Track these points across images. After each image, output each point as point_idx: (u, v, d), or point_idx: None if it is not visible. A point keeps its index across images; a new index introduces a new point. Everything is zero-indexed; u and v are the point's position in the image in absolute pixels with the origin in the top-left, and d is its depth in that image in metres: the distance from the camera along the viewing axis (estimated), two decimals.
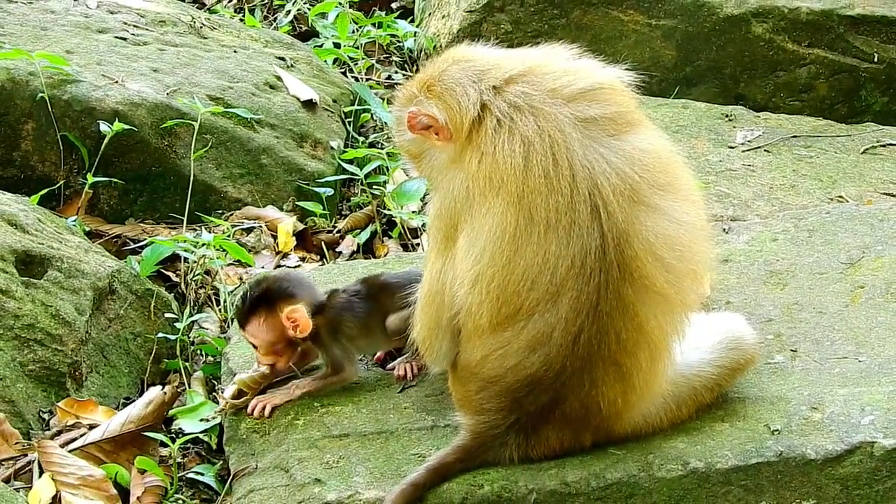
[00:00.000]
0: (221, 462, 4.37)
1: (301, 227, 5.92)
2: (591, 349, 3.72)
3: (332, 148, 6.33)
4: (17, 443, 4.38)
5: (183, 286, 5.42)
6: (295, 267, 5.62)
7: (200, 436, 4.49)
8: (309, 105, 6.48)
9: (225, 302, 5.27)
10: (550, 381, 3.76)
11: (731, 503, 3.85)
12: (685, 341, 3.90)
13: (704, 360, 4.06)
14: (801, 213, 5.40)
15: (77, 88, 5.91)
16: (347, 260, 5.70)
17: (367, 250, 5.87)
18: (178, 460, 4.41)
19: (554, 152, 3.69)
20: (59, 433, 4.49)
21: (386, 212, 6.00)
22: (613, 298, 3.69)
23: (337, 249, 5.87)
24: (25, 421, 4.48)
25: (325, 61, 7.23)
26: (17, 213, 5.13)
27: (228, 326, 5.10)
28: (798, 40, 7.17)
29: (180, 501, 4.30)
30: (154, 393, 4.56)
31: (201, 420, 4.50)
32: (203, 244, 5.31)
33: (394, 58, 7.79)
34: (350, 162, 6.19)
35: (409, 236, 5.89)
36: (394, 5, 8.28)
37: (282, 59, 6.85)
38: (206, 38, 6.91)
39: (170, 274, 5.52)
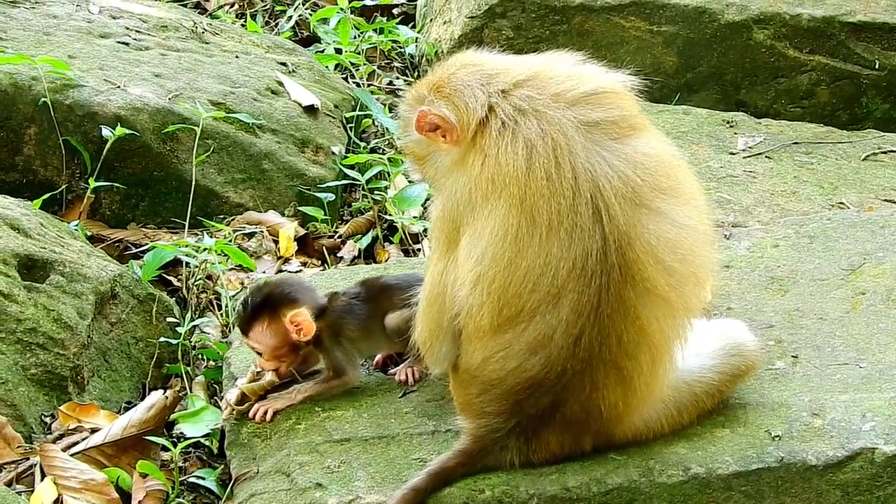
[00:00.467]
0: (223, 466, 4.37)
1: (302, 232, 5.92)
2: (592, 352, 3.72)
3: (333, 153, 6.33)
4: (18, 446, 4.38)
5: (184, 291, 5.42)
6: (296, 272, 5.63)
7: (202, 440, 4.49)
8: (310, 110, 6.48)
9: (226, 306, 5.27)
10: (551, 384, 3.76)
11: None
12: (687, 347, 3.90)
13: (706, 366, 4.05)
14: (803, 219, 5.39)
15: (79, 93, 5.91)
16: (349, 265, 5.70)
17: (369, 255, 5.87)
18: (180, 464, 4.40)
19: (556, 155, 3.69)
20: (60, 437, 4.49)
21: (387, 217, 6.01)
22: (615, 301, 3.69)
23: (338, 255, 5.87)
24: (27, 425, 4.48)
25: (327, 67, 7.24)
26: (19, 217, 5.13)
27: (230, 331, 5.09)
28: (799, 47, 7.17)
29: None
30: (156, 397, 4.56)
31: (206, 425, 4.50)
32: (205, 249, 5.32)
33: (395, 63, 7.79)
34: (351, 167, 6.20)
35: (410, 241, 5.89)
36: (395, 11, 8.29)
37: (283, 64, 6.86)
38: (207, 43, 6.92)
39: (171, 278, 5.52)
